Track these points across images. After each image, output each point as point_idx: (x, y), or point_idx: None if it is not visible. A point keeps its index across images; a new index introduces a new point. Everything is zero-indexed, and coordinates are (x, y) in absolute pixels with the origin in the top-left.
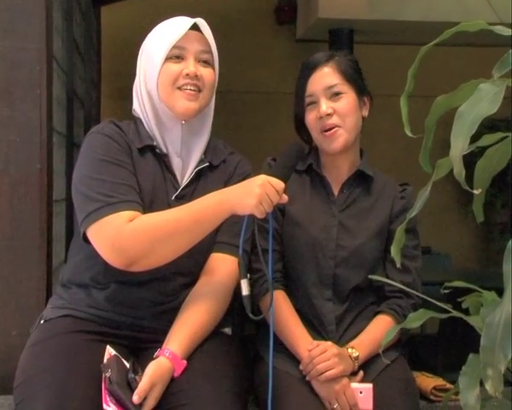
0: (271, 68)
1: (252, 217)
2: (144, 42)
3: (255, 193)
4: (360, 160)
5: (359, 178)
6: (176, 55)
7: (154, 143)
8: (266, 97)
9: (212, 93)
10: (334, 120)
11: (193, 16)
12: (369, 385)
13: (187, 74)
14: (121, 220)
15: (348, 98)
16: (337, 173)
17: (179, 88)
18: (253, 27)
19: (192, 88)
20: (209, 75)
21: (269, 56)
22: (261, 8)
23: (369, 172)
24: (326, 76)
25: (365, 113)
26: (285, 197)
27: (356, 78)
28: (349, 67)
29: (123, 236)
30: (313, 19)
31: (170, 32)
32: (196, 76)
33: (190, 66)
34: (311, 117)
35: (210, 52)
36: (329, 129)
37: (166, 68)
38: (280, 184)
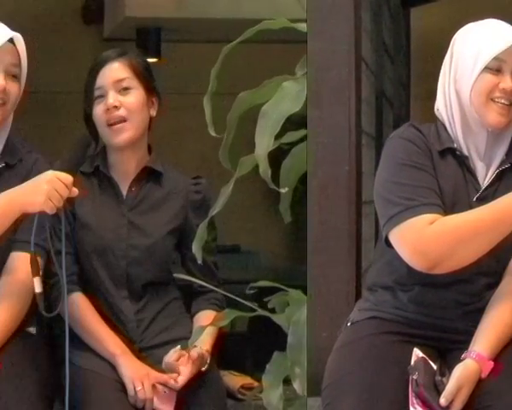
0: (79, 67)
1: (43, 214)
2: (458, 38)
3: (43, 189)
4: (149, 156)
5: (148, 175)
6: (495, 67)
7: (455, 146)
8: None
9: None
10: (121, 112)
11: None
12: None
13: (503, 89)
14: (422, 224)
15: (136, 94)
16: (125, 172)
17: (492, 99)
18: (60, 27)
19: (505, 102)
20: None
21: (76, 56)
22: (68, 8)
23: (157, 168)
24: (116, 70)
25: (153, 112)
26: (75, 190)
27: (146, 75)
28: (139, 64)
29: (424, 239)
30: (120, 18)
31: (493, 41)
32: None
33: (508, 81)
34: (98, 110)
35: None
36: (115, 123)
37: (483, 78)
38: (68, 178)
